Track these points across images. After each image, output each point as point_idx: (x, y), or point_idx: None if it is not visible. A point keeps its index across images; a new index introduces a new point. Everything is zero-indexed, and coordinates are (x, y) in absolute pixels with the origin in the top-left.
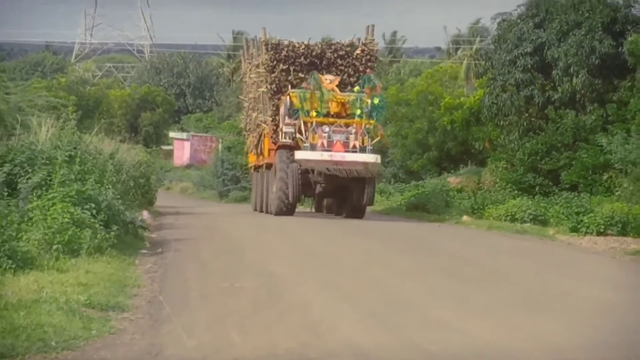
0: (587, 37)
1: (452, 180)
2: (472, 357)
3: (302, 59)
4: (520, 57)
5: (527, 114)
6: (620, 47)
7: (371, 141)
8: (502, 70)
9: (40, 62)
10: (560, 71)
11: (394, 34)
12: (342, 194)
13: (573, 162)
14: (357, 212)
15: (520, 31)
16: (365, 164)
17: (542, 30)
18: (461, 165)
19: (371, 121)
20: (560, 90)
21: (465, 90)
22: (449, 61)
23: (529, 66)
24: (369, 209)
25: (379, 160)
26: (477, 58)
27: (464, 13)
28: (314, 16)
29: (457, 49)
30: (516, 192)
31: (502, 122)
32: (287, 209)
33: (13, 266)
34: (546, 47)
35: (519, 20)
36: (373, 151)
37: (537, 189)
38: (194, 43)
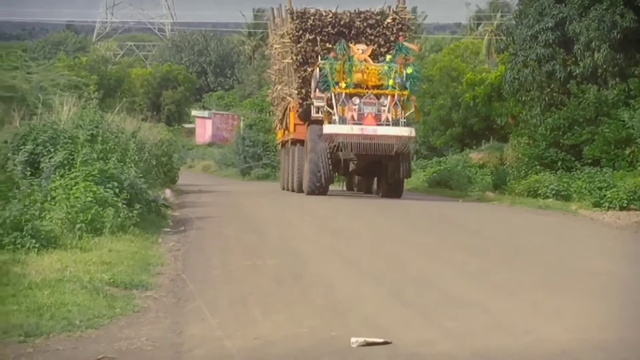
0: (609, 11)
1: (474, 156)
2: (493, 334)
3: (330, 28)
4: (542, 32)
5: (549, 89)
6: None
7: (404, 113)
8: (523, 46)
9: (62, 42)
10: (582, 46)
11: (414, 10)
12: (376, 171)
13: (595, 137)
14: (394, 190)
15: (541, 6)
16: (398, 137)
17: (563, 5)
18: (483, 141)
19: (404, 92)
20: (582, 65)
21: (487, 66)
22: (470, 37)
23: (551, 41)
24: None
25: (413, 134)
26: (498, 34)
27: None
28: None
29: (478, 25)
30: (538, 167)
31: (524, 98)
32: (320, 190)
33: (37, 245)
34: (567, 22)
35: None
36: (407, 124)
37: (559, 164)
38: (215, 21)
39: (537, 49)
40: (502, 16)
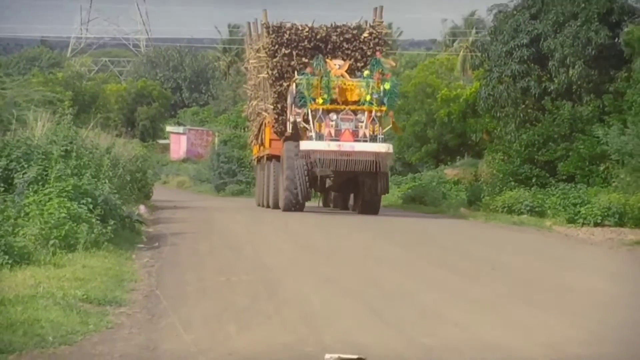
0: (583, 28)
1: (449, 172)
2: (468, 350)
3: (306, 42)
4: (517, 49)
5: (523, 106)
6: (617, 38)
7: (382, 129)
8: (498, 62)
9: (37, 57)
10: (557, 62)
11: (390, 25)
12: (353, 187)
13: (570, 153)
14: (371, 207)
15: (516, 22)
16: (376, 154)
17: (538, 21)
18: (458, 157)
19: (382, 107)
20: (556, 81)
21: (462, 83)
22: (445, 53)
23: (525, 57)
24: None
25: (391, 150)
26: (473, 50)
27: (460, 5)
28: (310, 11)
29: (453, 41)
30: (513, 183)
31: (498, 114)
32: (296, 207)
33: (10, 261)
34: (542, 39)
35: (514, 12)
36: (384, 140)
37: (534, 180)
38: (190, 37)
39: (512, 65)
40: (477, 32)
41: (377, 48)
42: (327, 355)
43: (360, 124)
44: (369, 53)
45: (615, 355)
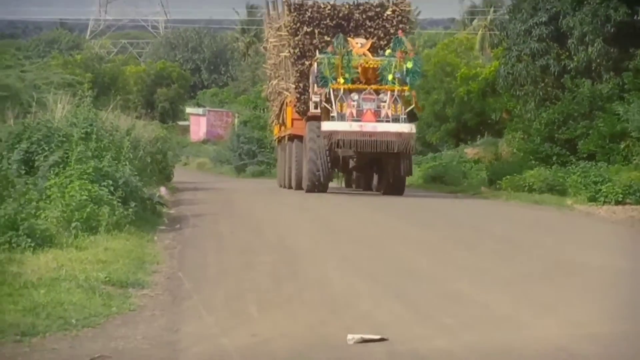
0: (602, 5)
1: (469, 151)
2: (489, 329)
3: (328, 20)
4: (535, 27)
5: (543, 84)
6: (636, 15)
7: (405, 109)
8: (517, 40)
9: (56, 40)
10: (576, 40)
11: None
12: (376, 168)
13: (590, 132)
14: (395, 187)
15: (535, 1)
16: (399, 134)
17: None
18: (478, 136)
19: (405, 87)
20: (575, 59)
21: (481, 61)
22: (464, 32)
23: (544, 35)
24: None
25: (414, 130)
26: (492, 28)
27: None
28: None
29: (472, 20)
30: (533, 162)
31: (518, 93)
32: (319, 188)
33: (32, 244)
34: (561, 16)
35: None
36: (407, 120)
37: (554, 158)
38: (209, 18)
39: (531, 43)
40: (495, 11)
41: (400, 26)
42: (350, 336)
43: (382, 103)
44: (392, 31)
45: (635, 333)
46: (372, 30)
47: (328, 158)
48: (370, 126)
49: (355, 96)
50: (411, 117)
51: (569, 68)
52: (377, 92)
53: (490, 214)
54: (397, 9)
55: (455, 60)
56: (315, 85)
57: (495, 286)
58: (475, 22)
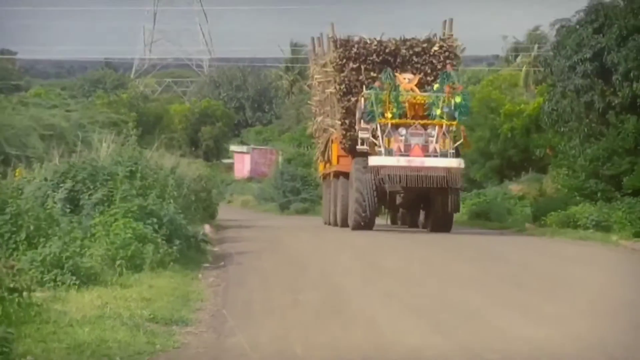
0: None
1: (514, 187)
2: None
3: (375, 56)
4: (580, 63)
5: (587, 120)
6: None
7: (453, 144)
8: (561, 77)
9: (101, 79)
10: (620, 76)
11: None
12: (423, 204)
13: (635, 167)
14: (443, 224)
15: (579, 37)
16: (447, 169)
17: (601, 35)
18: (522, 172)
19: (453, 122)
20: (620, 95)
21: (525, 98)
22: (508, 68)
23: (589, 72)
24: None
25: (462, 165)
26: (535, 65)
27: (522, 21)
28: (369, 27)
29: (515, 57)
30: (578, 198)
31: (562, 129)
32: (365, 223)
33: (77, 282)
34: (606, 53)
35: (577, 26)
36: (455, 155)
37: (599, 194)
38: (253, 56)
39: (576, 79)
40: (539, 47)
41: (448, 61)
42: None
43: (430, 138)
44: (439, 67)
45: None
46: (419, 66)
47: (375, 193)
48: (418, 161)
49: (402, 131)
50: (458, 155)
51: (613, 104)
52: (425, 127)
53: (535, 250)
54: (445, 45)
55: (500, 96)
56: (362, 121)
57: (541, 322)
58: (519, 58)
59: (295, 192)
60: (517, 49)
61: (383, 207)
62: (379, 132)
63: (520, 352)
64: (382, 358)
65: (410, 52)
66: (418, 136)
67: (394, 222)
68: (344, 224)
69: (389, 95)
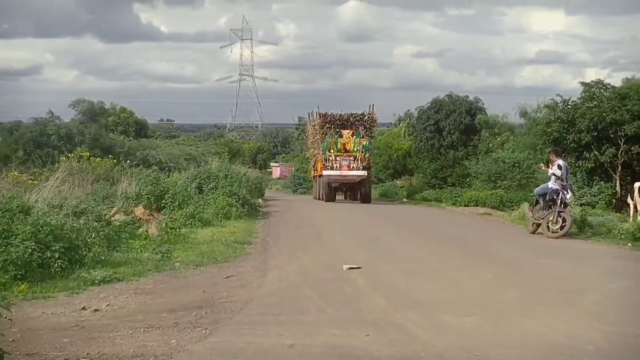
0: (457, 115)
1: (398, 182)
2: (400, 262)
3: (337, 121)
4: (428, 126)
5: (431, 152)
6: (474, 120)
7: (363, 164)
8: (419, 132)
9: (212, 133)
10: (446, 132)
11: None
12: (355, 190)
13: (453, 174)
14: (365, 199)
15: (427, 114)
16: (359, 176)
17: (437, 113)
18: (402, 175)
19: (363, 154)
20: (446, 141)
21: (404, 141)
22: (396, 128)
23: (431, 129)
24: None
25: (366, 174)
26: (408, 127)
27: (401, 106)
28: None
29: (400, 122)
30: (427, 187)
31: (420, 156)
32: (329, 199)
33: (200, 225)
34: (440, 121)
35: (427, 110)
36: (364, 168)
37: (436, 186)
38: (280, 122)
39: (425, 133)
40: (410, 118)
41: (367, 125)
42: (345, 266)
43: (352, 162)
44: (366, 126)
45: None
46: (355, 125)
47: (328, 186)
48: (344, 172)
49: (338, 159)
50: (367, 168)
51: (442, 145)
52: (349, 156)
53: (407, 208)
54: (368, 116)
55: (392, 141)
56: (326, 152)
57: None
58: (401, 124)
59: (300, 184)
60: (400, 119)
61: (338, 191)
62: (330, 158)
63: (402, 257)
64: (339, 259)
65: (352, 119)
66: (345, 161)
67: (345, 198)
68: (321, 199)
69: (333, 143)
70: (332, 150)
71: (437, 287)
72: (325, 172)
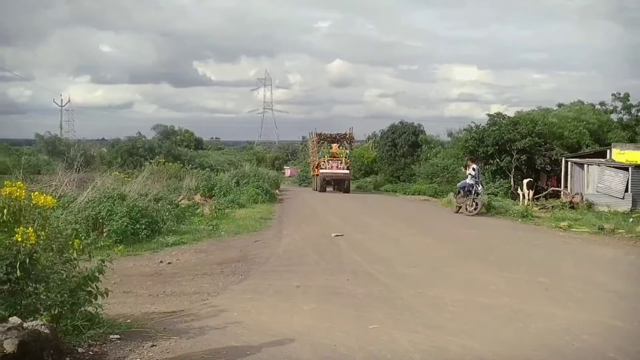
0: (406, 135)
1: (368, 179)
2: (371, 231)
3: (329, 138)
4: (388, 142)
5: (390, 160)
6: (418, 139)
7: (346, 166)
8: (383, 147)
9: (246, 146)
10: (399, 147)
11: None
12: (340, 184)
13: (403, 174)
14: (346, 191)
15: (387, 135)
16: (344, 174)
17: (394, 134)
18: (371, 174)
19: (347, 159)
20: (400, 152)
21: (373, 153)
22: (366, 144)
23: (389, 145)
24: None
25: (348, 172)
26: (375, 143)
27: (371, 129)
28: (328, 127)
29: (369, 140)
30: (387, 182)
31: (382, 162)
32: (324, 190)
33: (238, 207)
34: (395, 139)
35: (387, 132)
36: (346, 169)
37: (392, 182)
38: (291, 139)
39: (386, 147)
40: (375, 138)
41: (348, 140)
42: (332, 234)
43: (339, 164)
44: (348, 141)
45: None
46: (341, 141)
47: (323, 181)
48: (335, 171)
49: (330, 162)
50: (348, 169)
51: (398, 155)
52: (337, 160)
53: (373, 197)
54: (349, 135)
55: (364, 152)
56: (321, 158)
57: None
58: (370, 140)
59: (303, 180)
60: (369, 138)
61: (329, 184)
62: (325, 162)
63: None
64: (329, 229)
65: (338, 137)
66: (335, 163)
67: (333, 190)
68: (317, 190)
69: (326, 152)
70: (325, 157)
71: (393, 248)
72: (321, 171)
